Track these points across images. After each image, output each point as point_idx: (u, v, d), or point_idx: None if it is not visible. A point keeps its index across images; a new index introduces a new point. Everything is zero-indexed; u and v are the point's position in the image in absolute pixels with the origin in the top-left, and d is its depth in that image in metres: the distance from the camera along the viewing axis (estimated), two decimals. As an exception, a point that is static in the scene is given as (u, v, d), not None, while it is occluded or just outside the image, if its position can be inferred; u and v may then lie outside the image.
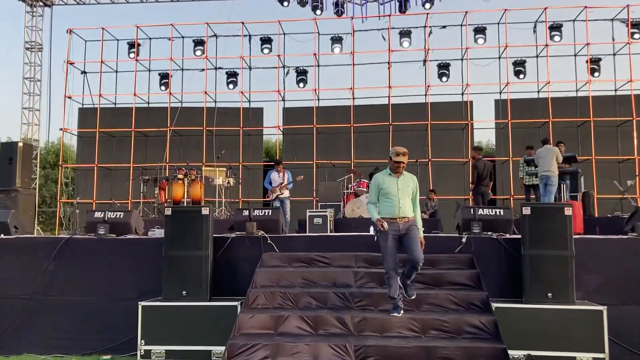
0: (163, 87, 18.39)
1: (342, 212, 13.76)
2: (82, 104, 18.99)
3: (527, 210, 6.77)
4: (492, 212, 7.76)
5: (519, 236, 7.13)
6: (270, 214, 8.26)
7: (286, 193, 12.98)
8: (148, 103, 19.20)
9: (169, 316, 6.93)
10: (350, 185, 14.42)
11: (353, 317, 5.92)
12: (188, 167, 13.77)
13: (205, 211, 7.16)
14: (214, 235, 7.52)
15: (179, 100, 18.95)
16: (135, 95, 17.88)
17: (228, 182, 14.02)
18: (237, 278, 7.50)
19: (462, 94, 18.19)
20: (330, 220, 11.98)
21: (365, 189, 13.77)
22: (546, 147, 11.75)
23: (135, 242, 8.06)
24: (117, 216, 8.36)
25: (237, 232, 7.86)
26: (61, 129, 17.66)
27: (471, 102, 17.60)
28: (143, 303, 6.96)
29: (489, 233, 7.49)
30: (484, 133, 29.52)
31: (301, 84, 17.88)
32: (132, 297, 7.49)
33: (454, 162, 17.17)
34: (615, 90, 17.33)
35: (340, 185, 14.71)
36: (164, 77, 18.44)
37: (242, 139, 17.57)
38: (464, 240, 7.38)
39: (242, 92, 17.90)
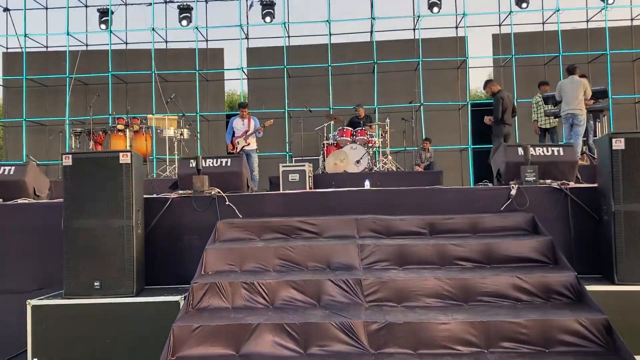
0: (103, 26, 15.37)
1: (322, 166, 11.35)
2: (7, 48, 15.89)
3: (619, 144, 4.39)
4: (548, 151, 5.43)
5: (595, 185, 4.85)
6: (229, 163, 5.77)
7: (253, 144, 10.51)
8: (86, 45, 16.20)
9: (74, 321, 4.46)
10: (330, 135, 11.98)
11: (367, 322, 3.54)
12: (130, 115, 11.08)
13: (124, 158, 4.60)
14: (145, 196, 5.02)
15: (123, 41, 16.02)
16: (68, 35, 14.85)
17: (181, 134, 11.39)
18: (182, 258, 5.08)
19: (457, 27, 15.69)
20: (309, 177, 9.60)
21: (348, 138, 11.35)
22: (572, 78, 9.37)
23: (31, 209, 5.49)
24: (6, 172, 5.77)
25: (181, 191, 5.36)
26: (-23, 76, 14.61)
27: (465, 38, 15.12)
28: (34, 301, 4.48)
29: (548, 181, 5.16)
30: (481, 73, 26.89)
31: (268, 18, 15.09)
32: (29, 291, 5.06)
33: (448, 107, 14.80)
34: (632, 19, 15.07)
35: (318, 136, 12.24)
36: (104, 13, 15.39)
37: (198, 84, 14.82)
38: (513, 192, 5.02)
39: (197, 29, 15.03)
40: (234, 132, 10.44)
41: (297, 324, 3.54)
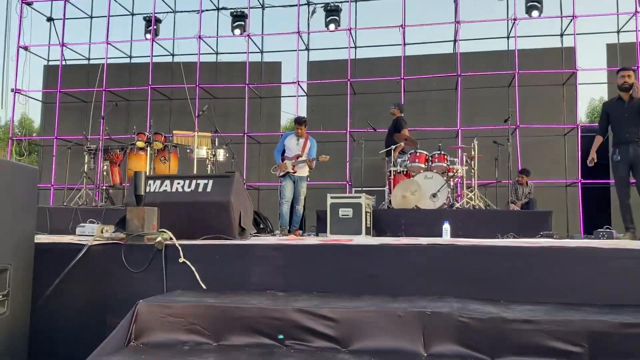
0: (148, 35, 13.70)
1: (387, 200, 8.83)
2: (48, 60, 14.56)
3: None
4: None
5: None
6: (209, 188, 3.40)
7: (304, 171, 8.19)
8: (130, 57, 14.60)
9: None
10: (399, 161, 9.46)
11: None
12: (153, 131, 9.07)
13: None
14: (42, 241, 2.72)
15: (170, 53, 14.31)
16: (107, 43, 13.25)
17: (214, 155, 9.22)
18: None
19: (562, 34, 12.81)
20: (366, 213, 7.14)
21: (422, 164, 8.79)
22: None
23: None
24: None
25: (107, 233, 3.03)
26: (12, 90, 13.23)
27: (574, 46, 12.17)
28: None
29: None
30: (592, 91, 23.40)
31: (332, 26, 12.87)
32: None
33: (551, 131, 11.86)
34: None
35: (385, 162, 9.70)
36: (150, 22, 13.72)
37: (247, 100, 12.71)
38: None
39: (249, 37, 13.00)
40: (284, 151, 8.19)
41: None
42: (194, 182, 3.37)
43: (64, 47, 13.62)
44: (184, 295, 2.57)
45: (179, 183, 3.37)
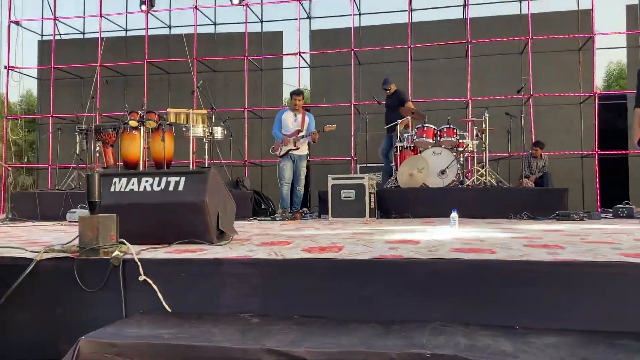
0: (143, 7, 13.12)
1: (393, 177, 8.41)
2: (42, 35, 14.07)
3: None
4: None
5: None
6: (180, 186, 2.98)
7: (304, 149, 7.77)
8: (125, 30, 14.05)
9: None
10: (406, 135, 9.01)
11: None
12: (145, 110, 8.61)
13: None
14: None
15: (166, 25, 13.76)
16: (101, 16, 12.72)
17: (210, 134, 8.78)
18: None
19: (578, -5, 12.13)
20: (370, 194, 6.74)
21: (430, 139, 8.34)
22: None
23: None
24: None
25: (59, 246, 2.63)
26: (6, 67, 12.80)
27: (591, 9, 11.47)
28: None
29: None
30: (611, 56, 22.33)
31: (335, -8, 12.26)
32: None
33: (566, 100, 11.28)
34: None
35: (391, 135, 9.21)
36: (144, -8, 13.13)
37: (247, 71, 12.19)
38: None
39: (247, 5, 12.39)
40: (281, 127, 7.75)
41: None
42: (164, 179, 2.95)
43: (58, 22, 13.10)
44: (141, 322, 2.18)
45: (147, 181, 2.96)
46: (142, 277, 2.35)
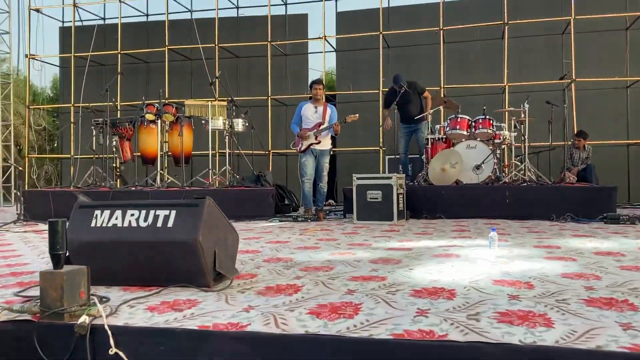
0: (164, -9, 12.71)
1: (424, 172, 7.90)
2: (63, 22, 13.78)
3: None
4: None
5: None
6: (170, 221, 2.53)
7: (326, 143, 7.30)
8: (147, 15, 13.66)
9: None
10: (437, 126, 8.48)
11: None
12: (162, 102, 8.22)
13: None
14: None
15: (188, 9, 13.31)
16: (121, 1, 12.33)
17: (230, 126, 8.35)
18: None
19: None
20: (398, 195, 6.24)
21: (464, 131, 7.79)
22: None
23: None
24: None
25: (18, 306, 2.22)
26: (26, 56, 12.57)
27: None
28: None
29: None
30: None
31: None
32: None
33: (611, 84, 10.47)
34: None
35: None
36: (166, -24, 12.69)
37: (270, 57, 11.68)
38: None
39: (270, -14, 11.85)
40: (301, 120, 7.28)
41: None
42: (151, 213, 2.51)
43: (78, 8, 12.77)
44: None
45: (132, 215, 2.53)
46: (112, 350, 1.92)
